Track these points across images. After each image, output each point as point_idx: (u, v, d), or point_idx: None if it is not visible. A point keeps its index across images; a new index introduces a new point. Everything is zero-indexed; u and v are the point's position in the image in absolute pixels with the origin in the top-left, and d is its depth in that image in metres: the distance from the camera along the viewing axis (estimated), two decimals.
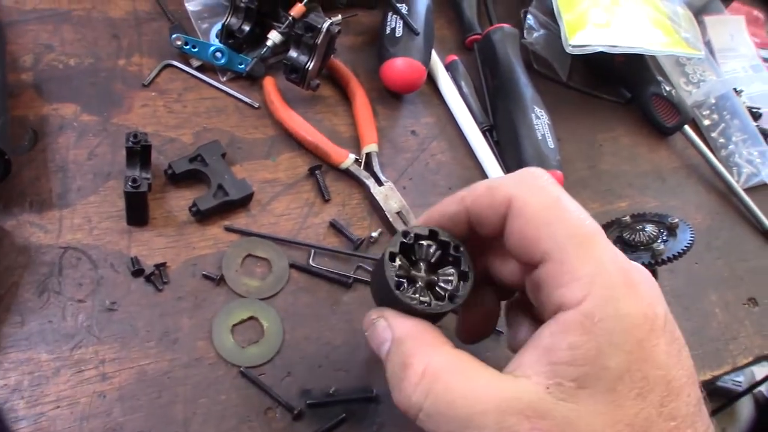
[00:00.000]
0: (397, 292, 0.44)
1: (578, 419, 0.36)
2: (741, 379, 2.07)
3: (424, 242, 0.47)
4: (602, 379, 0.36)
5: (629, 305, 0.38)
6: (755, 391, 2.03)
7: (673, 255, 0.76)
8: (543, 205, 0.41)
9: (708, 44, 1.22)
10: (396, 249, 0.46)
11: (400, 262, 0.46)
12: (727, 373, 0.88)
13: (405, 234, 0.46)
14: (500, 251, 0.48)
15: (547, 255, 0.40)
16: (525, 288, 0.46)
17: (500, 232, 0.44)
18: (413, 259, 0.47)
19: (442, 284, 0.47)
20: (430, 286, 0.47)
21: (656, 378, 0.37)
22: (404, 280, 0.45)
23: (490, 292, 0.52)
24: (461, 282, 0.46)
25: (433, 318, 0.45)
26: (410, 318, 0.44)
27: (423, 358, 0.41)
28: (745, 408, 2.13)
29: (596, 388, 0.36)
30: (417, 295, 0.45)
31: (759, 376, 1.94)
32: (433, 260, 0.47)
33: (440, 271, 0.47)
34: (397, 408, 0.42)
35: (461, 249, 0.47)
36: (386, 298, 0.46)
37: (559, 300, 0.39)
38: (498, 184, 0.44)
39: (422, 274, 0.47)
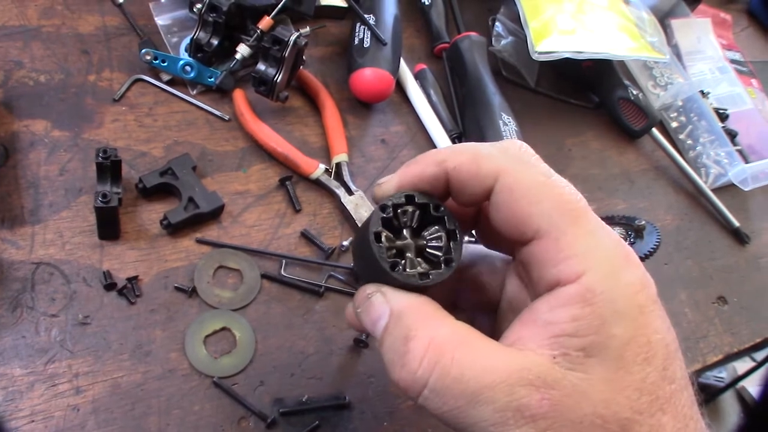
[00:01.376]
0: (395, 274, 0.41)
1: (588, 387, 0.36)
2: (723, 375, 2.09)
3: (404, 208, 0.43)
4: (609, 347, 0.36)
5: (628, 275, 0.38)
6: (738, 386, 2.05)
7: (640, 257, 0.77)
8: (534, 181, 0.40)
9: (675, 47, 1.23)
10: (379, 227, 0.42)
11: (385, 237, 0.42)
12: (698, 372, 0.90)
13: (383, 208, 0.43)
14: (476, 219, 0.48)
15: (541, 232, 0.39)
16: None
17: (480, 202, 0.43)
18: (395, 225, 0.44)
19: (431, 248, 0.43)
20: (420, 252, 0.44)
21: (657, 342, 0.37)
22: (399, 260, 0.42)
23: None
24: (451, 242, 0.43)
25: (429, 290, 0.43)
26: (408, 292, 0.42)
27: (427, 331, 0.39)
28: (729, 404, 2.14)
29: (604, 355, 0.36)
30: (410, 270, 0.42)
31: (741, 371, 1.95)
32: (415, 225, 0.44)
33: (425, 234, 0.44)
34: (396, 386, 0.40)
35: (442, 208, 0.43)
36: (379, 279, 0.43)
37: (555, 277, 0.38)
38: (484, 154, 0.42)
39: (409, 241, 0.44)
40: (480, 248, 0.51)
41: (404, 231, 0.44)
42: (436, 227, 0.43)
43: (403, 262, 0.42)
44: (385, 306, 0.42)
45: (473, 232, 0.51)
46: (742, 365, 1.96)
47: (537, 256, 0.40)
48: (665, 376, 0.37)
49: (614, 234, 0.40)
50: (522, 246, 0.41)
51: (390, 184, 0.45)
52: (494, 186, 0.41)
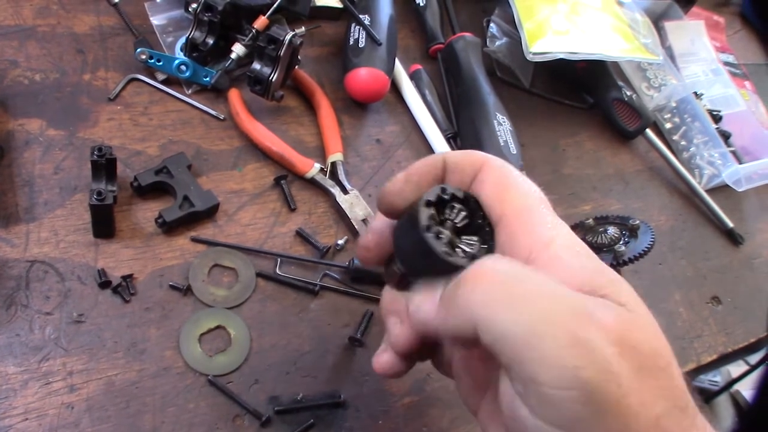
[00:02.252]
0: (453, 259, 0.41)
1: (637, 321, 0.36)
2: (718, 379, 2.09)
3: (456, 205, 0.45)
4: (623, 293, 0.38)
5: (589, 257, 0.41)
6: (732, 390, 2.05)
7: (634, 256, 0.77)
8: (507, 173, 0.45)
9: (668, 49, 1.24)
10: (428, 220, 0.42)
11: (435, 229, 0.43)
12: (692, 372, 0.90)
13: (428, 203, 0.43)
14: None
15: (506, 216, 0.43)
16: None
17: (468, 184, 0.46)
18: (442, 218, 0.45)
19: (467, 242, 0.44)
20: (450, 246, 0.43)
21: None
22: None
23: None
24: (484, 234, 0.44)
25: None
26: None
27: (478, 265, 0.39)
28: (724, 408, 2.14)
29: (627, 300, 0.37)
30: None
31: (735, 375, 1.95)
32: (460, 225, 0.45)
33: (458, 225, 0.45)
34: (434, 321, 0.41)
35: (474, 200, 0.45)
36: (431, 268, 0.43)
37: (527, 245, 0.41)
38: (473, 150, 0.48)
39: (450, 230, 0.44)
40: None
41: (449, 223, 0.45)
42: (464, 214, 0.45)
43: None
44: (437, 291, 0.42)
45: None
46: (736, 369, 1.96)
47: (506, 235, 0.43)
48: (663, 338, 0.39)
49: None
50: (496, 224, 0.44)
51: (398, 178, 0.47)
52: (481, 169, 0.45)
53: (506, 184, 0.44)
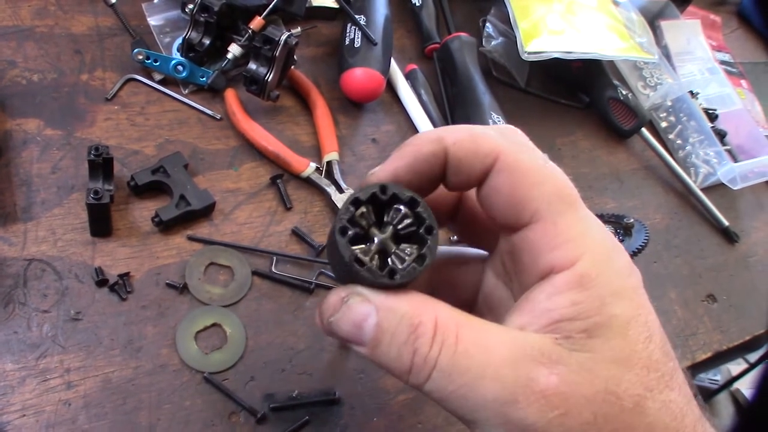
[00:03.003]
0: (365, 272, 0.37)
1: (596, 366, 0.35)
2: (718, 378, 2.09)
3: (376, 202, 0.39)
4: (612, 327, 0.36)
5: (619, 259, 0.38)
6: (732, 388, 2.05)
7: (629, 254, 0.78)
8: (534, 164, 0.39)
9: (665, 48, 1.24)
10: (345, 223, 0.38)
11: (353, 234, 0.38)
12: (688, 370, 0.90)
13: (354, 202, 0.38)
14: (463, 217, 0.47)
15: (538, 216, 0.38)
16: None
17: (475, 183, 0.41)
18: (366, 222, 0.39)
19: (404, 245, 0.39)
20: (383, 254, 0.39)
21: (653, 321, 0.38)
22: (367, 258, 0.38)
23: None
24: (426, 237, 0.38)
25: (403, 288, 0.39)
26: (385, 290, 0.38)
27: (430, 314, 0.37)
28: (723, 406, 2.14)
29: (608, 335, 0.36)
30: (393, 265, 0.38)
31: (735, 373, 1.96)
32: (403, 231, 0.39)
33: (399, 228, 0.39)
34: (404, 378, 0.37)
35: (418, 200, 0.39)
36: (350, 278, 0.39)
37: (550, 262, 0.38)
38: (481, 133, 0.40)
39: (380, 238, 0.39)
40: (452, 248, 0.50)
41: (374, 228, 0.39)
42: (409, 221, 0.39)
43: (373, 260, 0.38)
44: (368, 305, 0.38)
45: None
46: (735, 367, 1.96)
47: (532, 241, 0.39)
48: (666, 353, 0.37)
49: (601, 223, 0.40)
50: (513, 232, 0.40)
51: (385, 170, 0.41)
52: (493, 166, 0.39)
53: (530, 184, 0.39)
